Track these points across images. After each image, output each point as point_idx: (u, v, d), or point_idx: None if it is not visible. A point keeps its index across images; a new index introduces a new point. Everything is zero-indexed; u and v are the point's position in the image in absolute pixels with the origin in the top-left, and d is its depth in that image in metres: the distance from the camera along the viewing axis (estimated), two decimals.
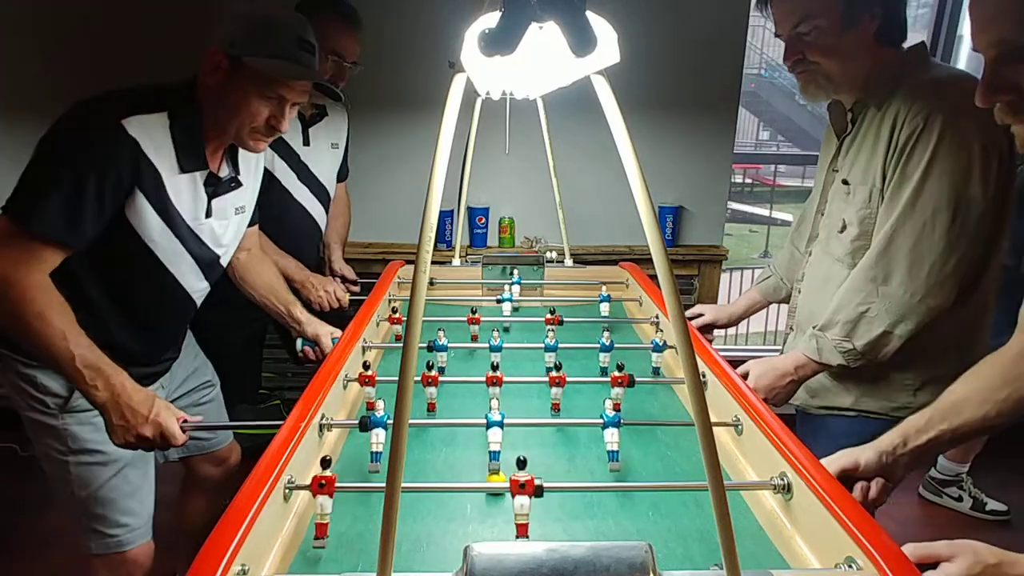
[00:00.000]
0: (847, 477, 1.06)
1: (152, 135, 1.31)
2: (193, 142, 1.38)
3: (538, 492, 0.89)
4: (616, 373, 1.30)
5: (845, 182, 1.41)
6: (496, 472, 1.08)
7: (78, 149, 1.25)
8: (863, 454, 1.07)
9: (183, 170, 1.37)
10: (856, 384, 1.44)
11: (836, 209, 1.44)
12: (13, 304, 1.21)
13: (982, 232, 1.27)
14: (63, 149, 1.25)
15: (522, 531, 0.89)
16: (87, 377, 1.25)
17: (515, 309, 1.87)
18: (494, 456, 1.09)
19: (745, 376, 1.44)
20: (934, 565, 0.82)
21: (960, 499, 2.64)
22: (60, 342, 1.23)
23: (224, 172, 1.47)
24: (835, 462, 1.06)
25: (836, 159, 1.49)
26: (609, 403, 1.15)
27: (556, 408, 1.30)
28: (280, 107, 1.39)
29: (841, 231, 1.41)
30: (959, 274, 1.28)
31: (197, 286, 1.51)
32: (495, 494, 1.06)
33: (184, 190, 1.39)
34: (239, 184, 1.53)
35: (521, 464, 0.91)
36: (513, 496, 0.89)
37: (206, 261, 1.50)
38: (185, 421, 1.32)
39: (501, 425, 1.12)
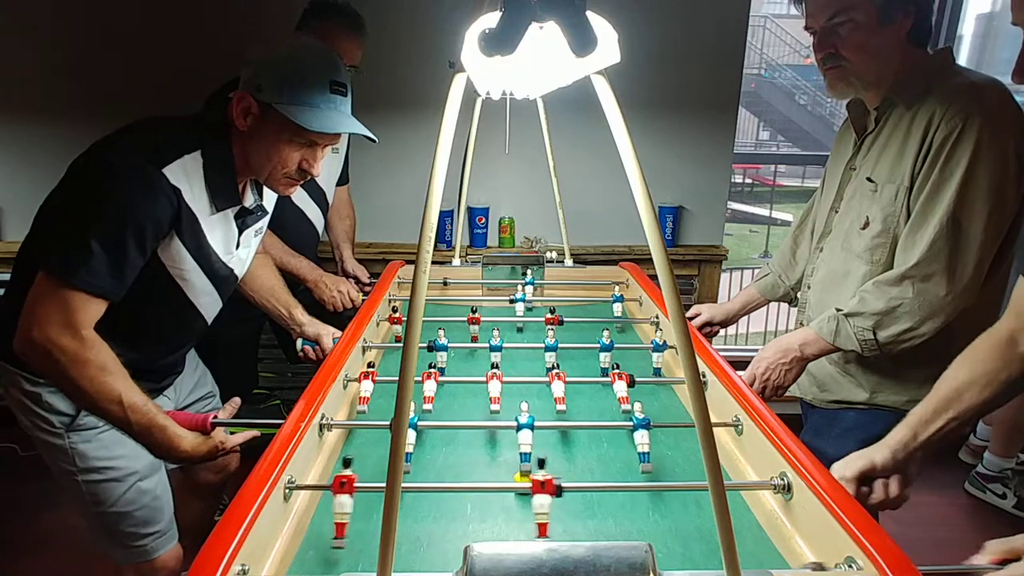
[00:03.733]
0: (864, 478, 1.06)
1: (190, 179, 1.27)
2: (226, 182, 1.35)
3: (558, 492, 0.89)
4: (615, 371, 1.31)
5: (871, 180, 1.41)
6: (527, 474, 1.08)
7: (121, 202, 1.20)
8: (877, 454, 1.07)
9: (217, 209, 1.35)
10: (869, 379, 1.45)
11: (858, 206, 1.44)
12: (64, 368, 1.18)
13: (1010, 233, 1.30)
14: (105, 203, 1.19)
15: (542, 530, 0.89)
16: (140, 437, 1.25)
17: (528, 309, 1.86)
18: (525, 458, 1.09)
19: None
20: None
21: (1004, 496, 2.64)
22: (115, 407, 1.21)
23: (250, 201, 1.45)
24: (851, 466, 1.06)
25: (855, 158, 1.49)
26: (638, 405, 1.16)
27: (560, 402, 1.29)
28: (312, 151, 1.35)
29: (863, 228, 1.41)
30: (984, 273, 1.29)
31: (215, 310, 1.51)
32: (523, 494, 1.05)
33: (218, 228, 1.37)
34: (264, 211, 1.51)
35: (541, 464, 0.91)
36: (533, 495, 0.89)
37: (227, 286, 1.50)
38: (215, 418, 1.32)
39: (531, 427, 1.11)
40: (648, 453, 1.10)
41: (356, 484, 0.92)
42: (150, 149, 1.25)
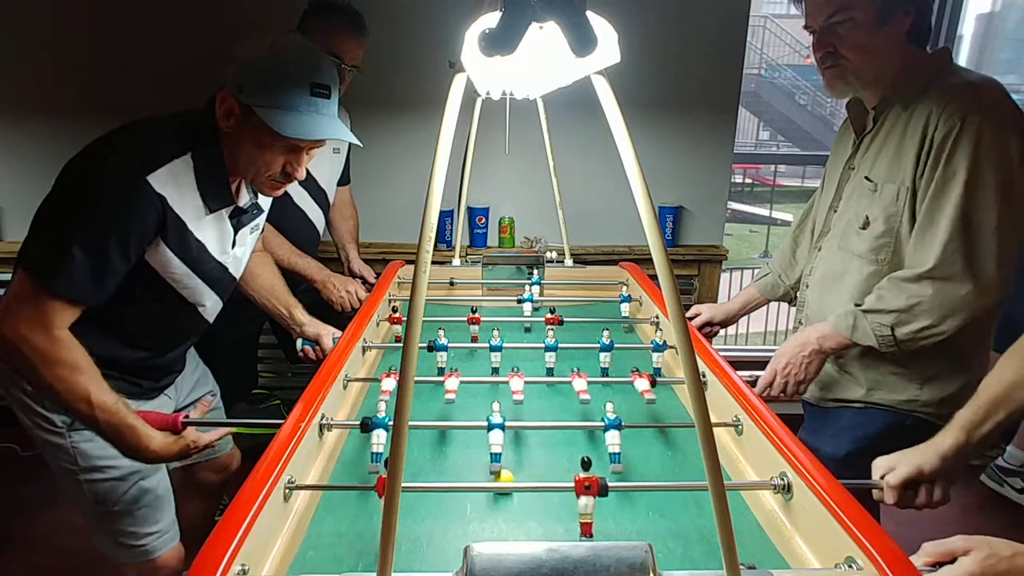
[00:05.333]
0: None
1: (178, 184, 1.25)
2: (217, 183, 1.32)
3: (603, 492, 0.90)
4: (635, 372, 1.33)
5: (869, 179, 1.41)
6: (499, 473, 1.08)
7: (103, 210, 1.19)
8: (925, 461, 1.06)
9: (210, 211, 1.33)
10: (867, 376, 1.44)
11: (856, 206, 1.44)
12: (33, 366, 1.18)
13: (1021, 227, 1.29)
14: (89, 210, 1.18)
15: (586, 530, 0.91)
16: (108, 436, 1.25)
17: (536, 309, 1.87)
18: (495, 458, 1.09)
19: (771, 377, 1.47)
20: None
21: (1023, 491, 2.61)
22: (83, 406, 1.21)
23: (244, 200, 1.43)
24: (897, 473, 1.06)
25: (853, 157, 1.49)
26: (609, 405, 1.16)
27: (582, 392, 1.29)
28: (295, 155, 1.32)
29: (863, 227, 1.41)
30: (1007, 268, 1.28)
31: (215, 309, 1.50)
32: (502, 494, 1.06)
33: (212, 229, 1.35)
34: (260, 210, 1.50)
35: (586, 465, 0.91)
36: (578, 496, 0.90)
37: (225, 285, 1.49)
38: (187, 417, 1.32)
39: (502, 427, 1.12)
40: (619, 454, 1.10)
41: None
42: (137, 156, 1.24)
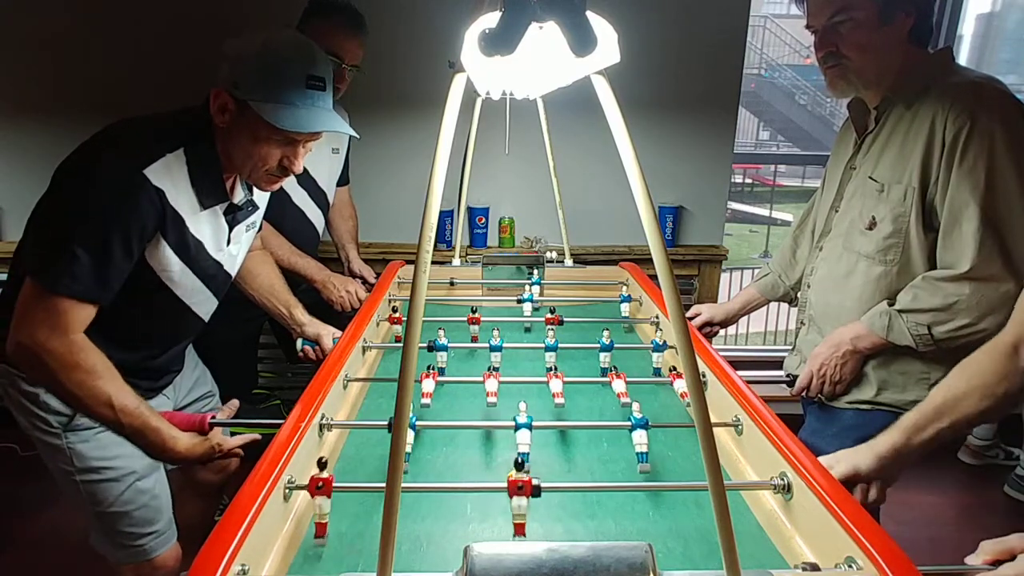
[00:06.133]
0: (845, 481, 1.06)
1: (173, 178, 1.25)
2: (211, 179, 1.32)
3: (535, 492, 0.89)
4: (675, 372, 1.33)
5: (874, 180, 1.40)
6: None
7: (103, 207, 1.18)
8: (862, 461, 1.06)
9: (204, 207, 1.32)
10: (877, 376, 1.44)
11: (860, 206, 1.43)
12: (53, 372, 1.19)
13: None
14: (87, 207, 1.18)
15: (519, 530, 0.90)
16: (133, 439, 1.26)
17: (536, 309, 1.86)
18: (524, 457, 1.08)
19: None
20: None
21: None
22: (105, 410, 1.21)
23: (239, 197, 1.43)
24: (834, 470, 1.06)
25: (855, 157, 1.49)
26: (636, 405, 1.16)
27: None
28: (292, 149, 1.32)
29: (869, 228, 1.40)
30: None
31: (209, 307, 1.50)
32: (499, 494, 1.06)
33: (206, 225, 1.35)
34: (255, 207, 1.49)
35: (519, 466, 0.91)
36: (511, 496, 0.89)
37: (220, 283, 1.48)
38: (214, 418, 1.32)
39: (530, 427, 1.11)
40: (646, 453, 1.10)
41: (335, 485, 0.92)
42: (131, 151, 1.23)
